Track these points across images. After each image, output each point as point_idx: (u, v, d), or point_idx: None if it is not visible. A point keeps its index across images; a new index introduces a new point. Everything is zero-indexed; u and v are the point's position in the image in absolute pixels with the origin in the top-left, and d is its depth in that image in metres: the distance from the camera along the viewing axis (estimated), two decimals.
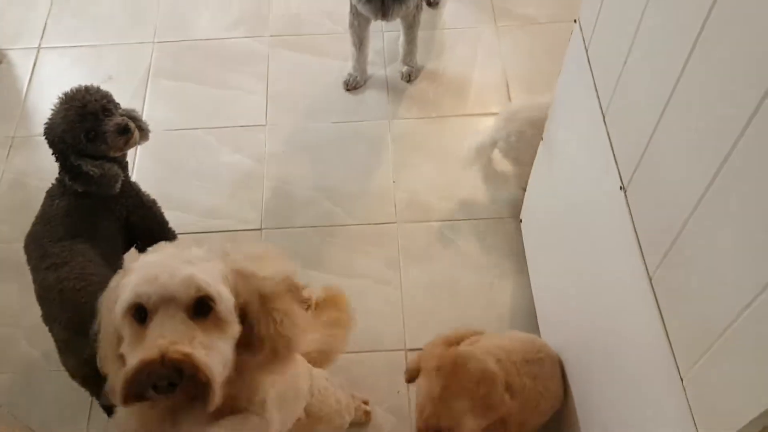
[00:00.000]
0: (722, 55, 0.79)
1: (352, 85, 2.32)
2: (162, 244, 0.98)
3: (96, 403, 1.70)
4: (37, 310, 1.90)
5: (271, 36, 2.45)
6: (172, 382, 0.80)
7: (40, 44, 2.50)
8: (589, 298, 1.33)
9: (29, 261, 1.51)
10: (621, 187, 1.11)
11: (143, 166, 2.15)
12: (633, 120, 1.08)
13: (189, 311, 0.84)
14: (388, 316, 1.85)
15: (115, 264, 1.57)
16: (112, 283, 0.92)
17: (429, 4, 2.52)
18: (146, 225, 1.67)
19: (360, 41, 2.22)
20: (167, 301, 0.83)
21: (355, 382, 1.73)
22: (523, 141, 1.79)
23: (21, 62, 2.44)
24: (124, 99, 1.69)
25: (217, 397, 0.83)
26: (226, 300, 0.86)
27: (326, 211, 2.06)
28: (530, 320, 1.79)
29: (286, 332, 0.92)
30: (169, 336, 0.80)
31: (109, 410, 1.45)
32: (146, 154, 2.16)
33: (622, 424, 1.19)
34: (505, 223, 2.01)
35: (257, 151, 2.19)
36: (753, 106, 0.71)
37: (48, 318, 1.44)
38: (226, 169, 2.15)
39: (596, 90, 1.23)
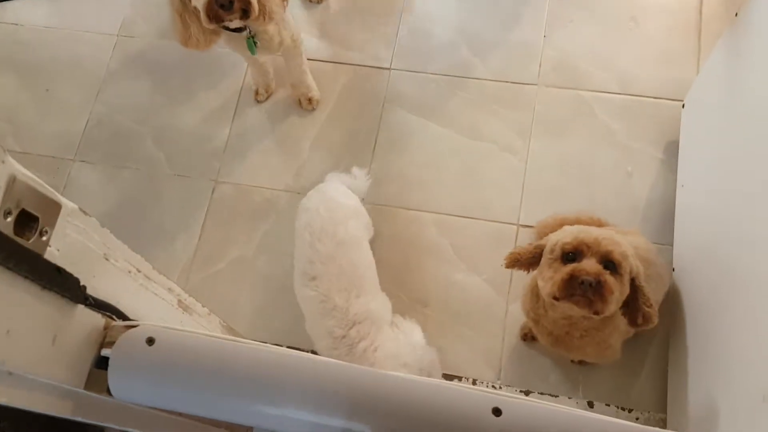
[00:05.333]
0: None
1: None
2: None
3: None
4: (165, 113, 1.95)
5: None
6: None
7: None
8: (753, 214, 1.11)
9: None
10: None
11: None
12: None
13: None
14: (507, 187, 1.71)
15: None
16: None
17: None
18: None
19: None
20: None
21: (456, 246, 1.65)
22: None
23: None
24: None
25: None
26: None
27: (462, 60, 1.87)
28: (665, 222, 1.58)
29: None
30: None
31: None
32: None
33: (735, 358, 1.04)
34: (663, 105, 1.74)
35: None
36: None
37: None
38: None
39: None
